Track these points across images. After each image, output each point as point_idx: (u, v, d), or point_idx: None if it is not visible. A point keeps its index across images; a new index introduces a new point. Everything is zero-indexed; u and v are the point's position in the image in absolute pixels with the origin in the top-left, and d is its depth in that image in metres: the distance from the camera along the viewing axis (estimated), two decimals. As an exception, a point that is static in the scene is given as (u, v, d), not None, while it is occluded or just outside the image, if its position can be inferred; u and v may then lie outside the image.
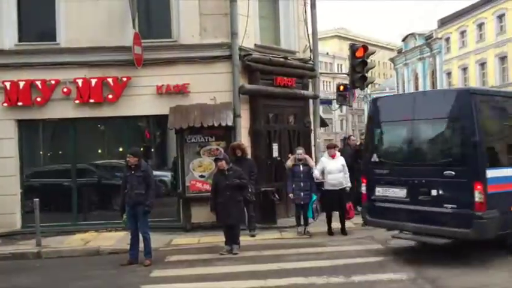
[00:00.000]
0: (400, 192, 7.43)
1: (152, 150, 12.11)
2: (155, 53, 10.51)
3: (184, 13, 10.57)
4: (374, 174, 7.90)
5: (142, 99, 10.57)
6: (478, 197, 6.49)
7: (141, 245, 7.83)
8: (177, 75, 10.52)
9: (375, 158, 7.96)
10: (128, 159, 7.98)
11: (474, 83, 40.84)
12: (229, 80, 10.56)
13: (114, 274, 7.29)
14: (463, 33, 41.95)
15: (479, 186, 6.50)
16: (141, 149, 10.70)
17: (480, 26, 39.50)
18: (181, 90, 10.52)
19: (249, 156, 10.19)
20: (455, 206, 6.76)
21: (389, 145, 8.26)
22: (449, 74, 44.53)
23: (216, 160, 8.59)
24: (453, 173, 6.76)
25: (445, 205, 6.83)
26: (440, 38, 45.23)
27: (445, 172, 6.83)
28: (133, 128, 11.59)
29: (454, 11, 43.09)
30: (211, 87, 10.52)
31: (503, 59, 37.26)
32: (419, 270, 6.68)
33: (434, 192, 6.96)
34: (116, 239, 9.53)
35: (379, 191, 7.76)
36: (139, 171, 7.77)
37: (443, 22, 44.80)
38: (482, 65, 39.84)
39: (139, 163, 7.85)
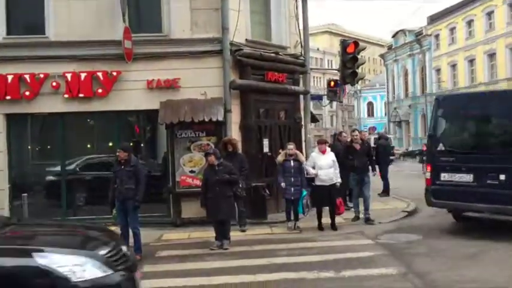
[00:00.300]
0: (466, 177, 8.37)
1: (142, 145, 12.05)
2: (146, 47, 10.44)
3: (175, 7, 10.51)
4: (440, 161, 8.83)
5: (133, 93, 10.51)
6: None
7: (131, 240, 7.80)
8: (167, 70, 10.47)
9: (441, 147, 8.90)
10: (117, 154, 7.93)
11: (463, 79, 41.21)
12: (220, 75, 10.52)
13: (104, 269, 7.24)
14: (452, 30, 42.25)
15: None
16: (131, 144, 10.63)
17: (469, 23, 39.80)
18: (171, 85, 10.47)
19: (240, 151, 10.18)
20: None
21: (458, 136, 9.22)
22: (438, 70, 44.85)
23: (207, 155, 8.58)
24: None
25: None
26: (430, 35, 45.52)
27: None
28: (123, 122, 11.52)
29: (443, 8, 43.37)
30: (202, 82, 10.48)
31: (492, 55, 37.59)
32: (410, 265, 6.74)
33: (502, 177, 7.90)
34: (105, 234, 9.46)
35: (444, 177, 8.73)
36: (129, 166, 7.74)
37: (433, 19, 45.08)
38: (471, 61, 40.17)
39: (129, 158, 7.81)
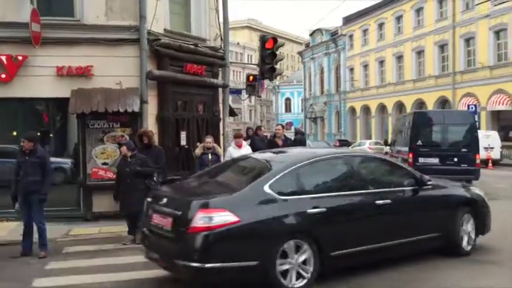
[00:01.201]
0: (434, 160, 14.32)
1: (51, 135, 11.38)
2: (56, 31, 9.84)
3: (88, -9, 10.00)
4: (418, 151, 14.51)
5: (41, 80, 9.86)
6: (477, 161, 14.25)
7: (36, 236, 7.34)
8: (79, 57, 9.94)
9: (419, 142, 14.64)
10: (22, 144, 7.41)
11: (374, 79, 43.48)
12: (137, 64, 10.18)
13: (4, 267, 6.75)
14: (365, 32, 44.35)
15: (477, 156, 14.31)
16: (38, 133, 9.99)
17: (381, 25, 42.01)
18: (84, 73, 9.97)
19: (156, 143, 9.94)
20: (464, 167, 13.98)
21: (429, 136, 14.92)
22: (352, 69, 46.94)
23: (120, 146, 8.29)
24: (465, 149, 14.28)
25: (462, 165, 14.06)
26: (345, 35, 47.49)
27: (462, 150, 14.28)
28: (29, 111, 10.80)
29: (358, 9, 45.38)
30: (117, 71, 10.08)
31: (399, 58, 40.00)
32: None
33: (455, 159, 14.19)
34: (7, 230, 8.84)
35: (421, 160, 14.35)
36: (34, 157, 7.25)
37: (348, 20, 47.05)
38: (381, 62, 42.47)
39: (35, 148, 7.32)
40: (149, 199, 6.08)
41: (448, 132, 14.62)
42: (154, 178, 8.42)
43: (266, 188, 5.30)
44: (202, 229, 4.90)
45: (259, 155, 6.94)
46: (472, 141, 14.43)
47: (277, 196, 5.29)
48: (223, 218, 4.95)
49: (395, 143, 18.29)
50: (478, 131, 17.11)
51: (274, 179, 5.42)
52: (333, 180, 6.11)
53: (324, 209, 5.45)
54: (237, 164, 6.86)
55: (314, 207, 5.42)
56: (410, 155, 14.41)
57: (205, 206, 5.02)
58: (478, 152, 14.37)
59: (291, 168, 5.66)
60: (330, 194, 5.72)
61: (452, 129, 14.66)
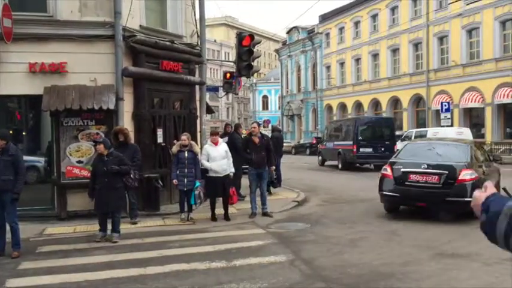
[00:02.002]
0: (370, 150, 20.66)
1: (24, 133, 11.15)
2: (28, 27, 9.63)
3: (62, -14, 9.80)
4: (359, 144, 20.80)
5: (12, 77, 9.64)
6: (395, 148, 18.75)
7: (9, 235, 7.19)
8: (53, 53, 9.76)
9: (360, 138, 21.03)
10: (-7, 142, 7.23)
11: (350, 77, 43.86)
12: (112, 61, 10.06)
13: (-25, 269, 6.59)
14: (341, 30, 44.68)
15: (395, 146, 20.14)
16: (11, 131, 9.78)
17: (356, 23, 42.38)
18: (57, 70, 9.78)
19: (132, 141, 9.84)
20: (388, 153, 18.01)
21: (366, 133, 21.61)
22: (328, 67, 47.23)
23: (96, 144, 8.16)
24: (388, 142, 20.87)
25: (386, 152, 18.88)
26: (321, 33, 47.72)
27: (386, 142, 20.82)
28: (1, 108, 10.58)
29: (334, 7, 45.66)
30: (91, 67, 9.93)
31: (375, 56, 40.44)
32: (298, 252, 7.02)
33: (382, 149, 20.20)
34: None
35: (361, 150, 20.72)
36: (6, 155, 7.08)
37: (324, 18, 47.28)
38: (357, 60, 42.87)
39: (8, 146, 7.16)
40: (401, 167, 9.36)
41: (377, 131, 21.89)
42: (132, 175, 8.35)
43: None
44: (465, 181, 8.63)
45: (445, 140, 12.01)
46: (391, 136, 21.61)
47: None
48: (472, 174, 8.68)
49: (331, 139, 23.96)
50: (451, 127, 24.72)
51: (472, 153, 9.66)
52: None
53: None
54: (436, 144, 10.74)
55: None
56: (355, 147, 20.77)
57: (465, 167, 8.78)
58: (395, 143, 21.28)
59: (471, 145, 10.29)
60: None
61: (379, 128, 22.18)
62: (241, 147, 10.33)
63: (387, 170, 9.60)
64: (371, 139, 21.05)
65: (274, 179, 11.60)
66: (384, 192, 9.57)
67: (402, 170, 9.26)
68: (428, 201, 8.93)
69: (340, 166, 21.88)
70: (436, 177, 8.83)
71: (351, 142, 20.87)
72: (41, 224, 9.27)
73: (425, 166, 8.98)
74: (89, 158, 9.71)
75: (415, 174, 9.01)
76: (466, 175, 8.67)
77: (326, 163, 24.55)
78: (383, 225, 8.84)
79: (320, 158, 25.43)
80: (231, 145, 10.74)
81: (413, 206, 9.58)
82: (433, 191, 8.80)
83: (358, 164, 21.68)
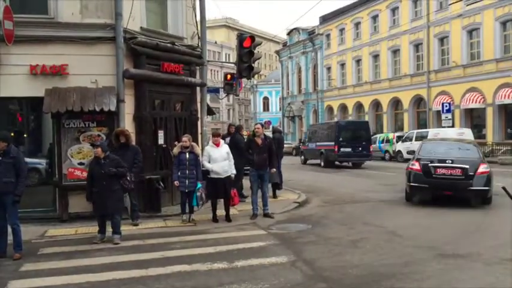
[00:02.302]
0: (349, 149, 23.72)
1: (25, 135, 11.18)
2: (29, 29, 9.64)
3: (63, -12, 9.83)
4: (340, 144, 23.79)
5: (14, 79, 9.66)
6: (371, 148, 24.98)
7: (10, 237, 7.20)
8: (54, 55, 9.78)
9: (341, 139, 23.84)
10: (-5, 144, 7.25)
11: (350, 78, 43.87)
12: (113, 63, 10.07)
13: (-23, 270, 6.61)
14: (342, 31, 44.70)
15: (371, 146, 25.03)
16: (12, 133, 9.81)
17: (357, 25, 42.41)
18: (58, 72, 9.81)
19: (134, 143, 9.86)
20: (364, 152, 24.30)
21: (346, 135, 24.18)
22: (329, 68, 47.25)
23: (93, 147, 8.18)
24: (364, 142, 24.02)
25: (363, 152, 24.19)
26: (322, 34, 47.75)
27: (363, 143, 24.07)
28: (2, 110, 10.59)
29: (335, 8, 45.67)
30: (93, 69, 9.96)
31: (376, 57, 40.46)
32: (299, 253, 7.03)
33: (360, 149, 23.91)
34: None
35: (342, 149, 23.69)
36: (8, 158, 7.10)
37: (325, 19, 47.32)
38: (358, 61, 42.88)
39: (9, 148, 7.18)
40: (428, 163, 10.99)
41: (355, 133, 24.50)
42: (128, 178, 8.34)
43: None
44: (483, 173, 10.55)
45: (455, 140, 14.82)
46: (367, 138, 24.71)
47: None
48: (487, 168, 10.71)
49: (313, 140, 27.01)
50: (452, 128, 26.16)
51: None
52: None
53: None
54: (448, 142, 13.48)
55: None
56: (336, 147, 23.69)
57: (481, 162, 10.81)
58: (370, 143, 24.99)
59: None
60: None
61: (357, 131, 24.79)
62: (243, 147, 10.36)
63: (415, 165, 11.12)
64: (350, 140, 23.94)
65: (279, 183, 11.63)
66: (413, 184, 11.13)
67: (430, 164, 10.85)
68: (453, 190, 10.73)
69: (322, 164, 24.97)
70: (460, 170, 10.59)
71: (333, 143, 23.88)
72: (43, 225, 9.28)
73: (450, 161, 10.75)
74: (90, 160, 9.71)
75: (442, 168, 10.74)
76: (483, 168, 10.63)
77: (308, 162, 27.71)
78: (384, 226, 8.86)
79: (302, 157, 28.76)
80: (234, 146, 10.75)
81: (441, 195, 11.05)
82: (458, 181, 10.61)
83: (337, 162, 24.73)
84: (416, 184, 11.04)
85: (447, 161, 10.76)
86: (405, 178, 11.59)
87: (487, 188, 10.47)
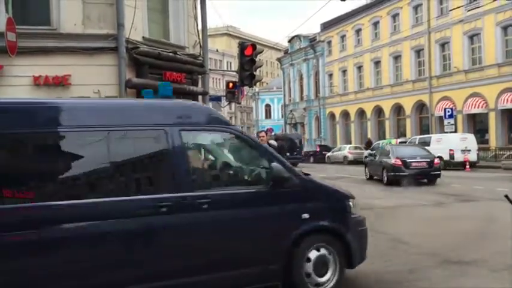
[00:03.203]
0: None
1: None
2: (32, 41, 9.73)
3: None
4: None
5: (17, 90, 9.70)
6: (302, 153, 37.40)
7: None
8: (56, 66, 9.85)
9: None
10: None
11: (352, 85, 43.94)
12: (115, 73, 10.14)
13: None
14: (343, 38, 44.82)
15: (302, 151, 37.79)
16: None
17: (358, 31, 42.51)
18: (61, 82, 9.88)
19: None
20: (298, 156, 34.41)
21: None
22: (330, 75, 47.34)
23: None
24: (298, 149, 35.88)
25: (297, 156, 34.11)
26: (323, 41, 47.88)
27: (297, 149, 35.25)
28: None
29: (336, 15, 45.83)
30: (95, 79, 10.01)
31: (377, 63, 40.53)
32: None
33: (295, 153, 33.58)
34: None
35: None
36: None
37: (326, 26, 47.47)
38: (360, 68, 42.95)
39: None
40: (406, 159, 17.21)
41: (292, 142, 33.92)
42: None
43: None
44: (437, 163, 17.51)
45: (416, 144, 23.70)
46: (300, 145, 35.40)
47: None
48: (438, 160, 18.02)
49: None
50: (455, 133, 26.79)
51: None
52: None
53: None
54: (408, 146, 22.24)
55: None
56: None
57: (434, 157, 17.72)
58: (302, 149, 35.65)
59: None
60: None
61: (294, 140, 34.53)
62: None
63: (398, 161, 16.98)
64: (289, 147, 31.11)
65: None
66: (397, 173, 16.89)
67: (407, 160, 16.97)
68: (423, 175, 17.14)
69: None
70: (425, 163, 17.16)
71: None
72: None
73: (419, 158, 17.25)
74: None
75: (415, 162, 17.05)
76: (437, 160, 17.58)
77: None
78: (388, 233, 8.81)
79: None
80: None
81: (416, 179, 16.57)
82: (425, 170, 17.11)
83: None
84: (399, 173, 16.79)
85: (417, 158, 17.14)
86: (384, 171, 17.51)
87: (439, 172, 17.35)
